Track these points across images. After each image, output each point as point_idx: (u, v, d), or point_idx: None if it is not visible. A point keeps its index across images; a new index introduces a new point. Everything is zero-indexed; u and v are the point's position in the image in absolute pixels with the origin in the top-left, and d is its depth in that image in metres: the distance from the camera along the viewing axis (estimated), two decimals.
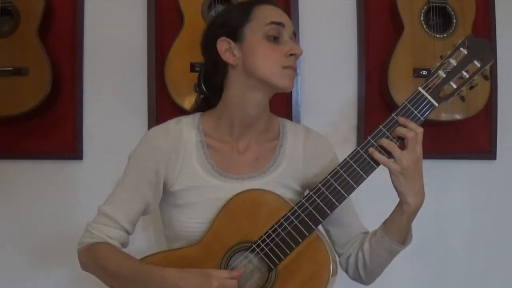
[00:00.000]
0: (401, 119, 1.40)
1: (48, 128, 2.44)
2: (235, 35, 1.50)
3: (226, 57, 1.51)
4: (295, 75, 1.52)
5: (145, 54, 2.43)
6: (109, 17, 2.47)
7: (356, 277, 1.63)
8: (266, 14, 1.50)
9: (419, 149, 1.40)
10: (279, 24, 1.49)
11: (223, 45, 1.51)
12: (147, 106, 2.43)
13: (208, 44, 1.55)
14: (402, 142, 1.41)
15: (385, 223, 1.51)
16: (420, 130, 1.40)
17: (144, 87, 2.43)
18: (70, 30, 2.44)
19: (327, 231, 1.64)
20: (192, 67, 2.29)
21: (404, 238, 1.50)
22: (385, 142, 1.39)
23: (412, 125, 1.40)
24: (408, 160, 1.39)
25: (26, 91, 2.28)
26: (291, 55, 1.49)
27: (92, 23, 2.46)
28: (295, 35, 1.55)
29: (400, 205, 1.45)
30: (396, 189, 1.43)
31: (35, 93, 2.28)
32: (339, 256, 1.64)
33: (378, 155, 1.40)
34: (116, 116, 2.46)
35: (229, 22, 1.52)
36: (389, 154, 1.40)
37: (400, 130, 1.39)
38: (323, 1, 2.50)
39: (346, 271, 1.64)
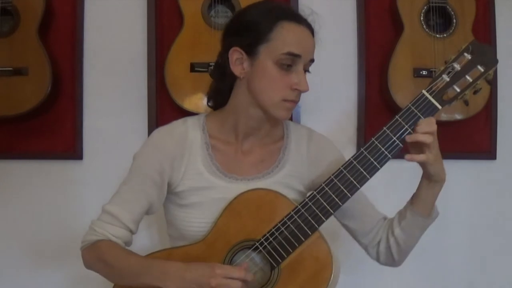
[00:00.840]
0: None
1: (48, 128, 2.43)
2: (250, 49, 1.47)
3: (235, 67, 1.50)
4: (294, 107, 1.53)
5: (145, 54, 2.43)
6: (109, 17, 2.47)
7: (389, 262, 1.64)
8: (287, 39, 1.45)
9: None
10: (296, 55, 1.45)
11: (235, 55, 1.49)
12: (147, 106, 2.43)
13: (224, 46, 1.54)
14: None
15: (413, 203, 1.54)
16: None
17: (144, 87, 2.44)
18: (70, 30, 2.44)
19: (345, 226, 1.65)
20: (192, 67, 2.29)
21: (432, 211, 1.54)
22: (420, 136, 1.40)
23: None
24: (437, 146, 1.43)
25: (26, 91, 2.28)
26: (296, 89, 1.48)
27: (92, 23, 2.46)
28: (313, 61, 1.52)
29: (431, 184, 1.49)
30: (435, 174, 1.46)
31: (35, 93, 2.28)
32: (365, 247, 1.66)
33: (415, 156, 1.42)
34: (116, 116, 2.46)
35: (247, 34, 1.47)
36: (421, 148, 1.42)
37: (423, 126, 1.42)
38: (323, 1, 2.50)
39: (377, 259, 1.66)
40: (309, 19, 1.52)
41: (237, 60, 1.49)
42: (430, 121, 1.41)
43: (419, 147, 1.42)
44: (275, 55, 1.44)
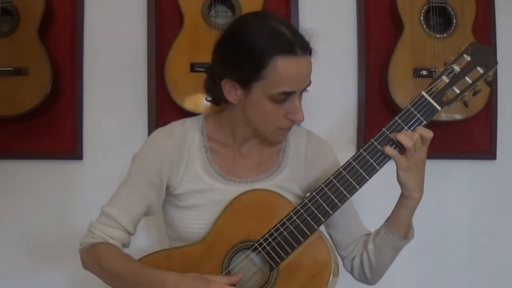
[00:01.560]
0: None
1: (48, 128, 2.44)
2: (243, 84, 1.43)
3: (229, 95, 1.46)
4: (288, 132, 1.53)
5: (145, 54, 2.43)
6: (109, 17, 2.47)
7: (362, 278, 1.64)
8: (280, 78, 1.38)
9: (425, 149, 1.43)
10: (290, 93, 1.41)
11: (228, 84, 1.45)
12: (147, 106, 2.43)
13: (215, 69, 1.49)
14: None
15: (388, 220, 1.52)
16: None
17: (144, 87, 2.44)
18: (70, 30, 2.44)
19: (329, 235, 1.65)
20: (192, 67, 2.29)
21: (407, 233, 1.52)
22: (401, 136, 1.40)
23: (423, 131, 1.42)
24: (417, 157, 1.41)
25: (26, 91, 2.28)
26: (291, 119, 1.46)
27: (92, 23, 2.46)
28: (310, 83, 1.47)
29: (403, 200, 1.47)
30: (403, 184, 1.44)
31: (35, 93, 2.28)
32: (342, 259, 1.65)
33: (389, 149, 1.41)
34: (116, 116, 2.46)
35: (239, 71, 1.42)
36: (401, 149, 1.42)
37: (420, 131, 1.41)
38: (323, 1, 2.50)
39: (352, 273, 1.65)
40: (307, 36, 1.45)
41: (230, 89, 1.46)
42: (422, 130, 1.41)
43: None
44: (269, 93, 1.40)
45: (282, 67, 1.38)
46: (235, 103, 1.47)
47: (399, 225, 1.50)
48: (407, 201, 1.46)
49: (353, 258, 1.62)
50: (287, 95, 1.41)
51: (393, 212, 1.51)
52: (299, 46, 1.39)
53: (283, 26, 1.41)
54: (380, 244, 1.54)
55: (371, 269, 1.59)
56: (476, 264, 2.50)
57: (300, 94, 1.46)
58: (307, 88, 1.48)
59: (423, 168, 1.44)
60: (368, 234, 1.63)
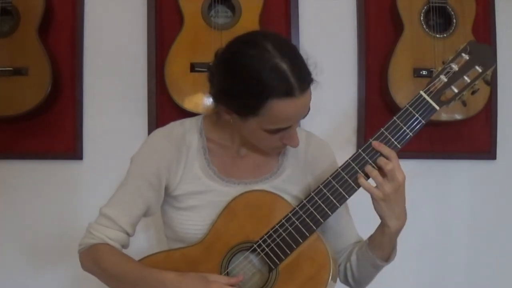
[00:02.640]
0: (375, 144, 1.40)
1: (48, 128, 2.44)
2: (238, 114, 1.41)
3: (224, 115, 1.46)
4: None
5: (145, 54, 2.43)
6: (109, 17, 2.47)
7: (347, 284, 1.64)
8: (276, 118, 1.36)
9: (399, 175, 1.39)
10: (286, 128, 1.40)
11: (224, 109, 1.44)
12: (147, 106, 2.43)
13: (212, 87, 1.46)
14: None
15: (369, 239, 1.52)
16: (394, 155, 1.39)
17: (144, 87, 2.44)
18: (70, 30, 2.45)
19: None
20: (192, 67, 2.29)
21: (387, 256, 1.51)
22: (368, 169, 1.40)
23: (386, 151, 1.40)
24: (390, 188, 1.39)
25: (26, 91, 2.28)
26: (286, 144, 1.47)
27: (92, 23, 2.46)
28: (309, 111, 1.44)
29: (381, 226, 1.46)
30: (378, 213, 1.44)
31: (35, 93, 2.28)
32: None
33: (362, 181, 1.40)
34: (116, 116, 2.46)
35: (235, 104, 1.40)
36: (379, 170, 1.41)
37: (379, 163, 1.40)
38: (323, 1, 2.50)
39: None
40: (310, 66, 1.40)
41: (227, 112, 1.44)
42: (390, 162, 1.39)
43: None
44: (265, 128, 1.40)
45: (278, 110, 1.34)
46: (232, 121, 1.46)
47: (378, 247, 1.49)
48: (384, 228, 1.45)
49: (339, 264, 1.62)
50: (284, 129, 1.42)
51: (373, 234, 1.51)
52: (298, 86, 1.34)
53: (284, 60, 1.33)
54: (361, 259, 1.54)
55: (354, 279, 1.60)
56: (476, 264, 2.50)
57: (296, 123, 1.45)
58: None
59: (400, 198, 1.41)
60: (359, 242, 1.63)
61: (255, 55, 1.34)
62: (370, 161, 1.41)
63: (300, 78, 1.34)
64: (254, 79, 1.33)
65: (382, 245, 1.48)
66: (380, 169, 1.40)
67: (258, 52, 1.34)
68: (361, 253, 1.54)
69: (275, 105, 1.33)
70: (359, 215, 1.67)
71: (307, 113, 1.44)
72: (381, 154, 1.40)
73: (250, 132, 1.45)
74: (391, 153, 1.40)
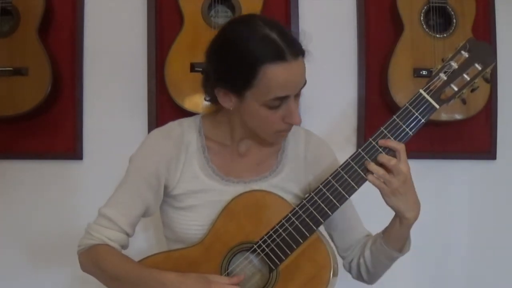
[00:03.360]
0: (381, 142, 1.41)
1: (48, 128, 2.44)
2: (235, 92, 1.41)
3: (224, 102, 1.45)
4: (288, 133, 1.52)
5: (145, 54, 2.43)
6: (109, 17, 2.47)
7: (360, 279, 1.65)
8: (272, 85, 1.36)
9: (404, 168, 1.40)
10: (284, 97, 1.39)
11: (221, 92, 1.44)
12: (147, 106, 2.43)
13: (208, 75, 1.47)
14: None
15: (384, 233, 1.52)
16: (401, 147, 1.40)
17: (144, 87, 2.44)
18: (70, 30, 2.45)
19: (330, 235, 1.65)
20: (192, 67, 2.29)
21: (403, 246, 1.52)
22: (373, 167, 1.40)
23: (393, 144, 1.40)
24: (397, 182, 1.39)
25: (26, 91, 2.28)
26: (288, 122, 1.45)
27: (92, 23, 2.46)
28: (305, 84, 1.44)
29: (398, 219, 1.46)
30: (392, 208, 1.44)
31: (35, 93, 2.29)
32: (342, 258, 1.66)
33: (371, 178, 1.41)
34: (116, 116, 2.46)
35: (231, 80, 1.41)
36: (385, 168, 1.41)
37: (382, 160, 1.40)
38: (323, 1, 2.50)
39: (350, 273, 1.66)
40: (299, 38, 1.43)
41: (225, 97, 1.44)
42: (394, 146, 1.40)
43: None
44: (262, 100, 1.39)
45: (272, 75, 1.36)
46: (231, 109, 1.46)
47: (394, 239, 1.49)
48: (402, 220, 1.45)
49: (351, 261, 1.63)
50: (281, 100, 1.40)
51: (388, 227, 1.51)
52: (289, 51, 1.36)
53: (273, 31, 1.37)
54: (376, 253, 1.54)
55: (368, 273, 1.60)
56: (476, 264, 2.50)
57: (297, 97, 1.44)
58: (303, 90, 1.46)
59: (409, 189, 1.42)
60: (368, 236, 1.64)
61: (244, 29, 1.40)
62: (370, 160, 1.41)
63: (290, 45, 1.37)
64: (245, 49, 1.37)
65: (398, 237, 1.49)
66: (382, 166, 1.40)
67: (248, 26, 1.40)
68: (375, 247, 1.54)
69: (268, 71, 1.35)
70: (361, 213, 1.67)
71: (304, 85, 1.44)
72: (389, 149, 1.40)
73: (251, 114, 1.44)
74: (399, 145, 1.40)
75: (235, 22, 1.49)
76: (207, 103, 1.59)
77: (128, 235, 1.53)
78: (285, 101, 1.41)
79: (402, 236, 1.49)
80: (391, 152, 1.41)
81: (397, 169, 1.39)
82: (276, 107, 1.41)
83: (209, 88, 1.50)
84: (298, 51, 1.39)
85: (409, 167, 1.41)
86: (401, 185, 1.39)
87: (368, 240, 1.60)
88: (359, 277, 1.64)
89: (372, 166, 1.40)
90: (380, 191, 1.41)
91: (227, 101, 1.45)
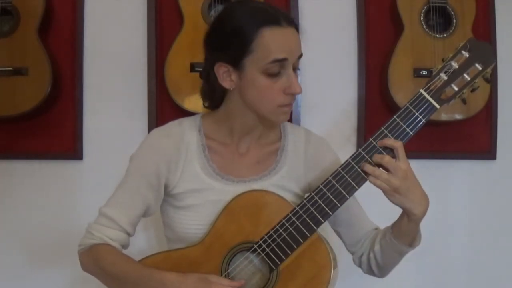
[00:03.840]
0: (380, 143, 1.40)
1: (48, 128, 2.44)
2: (234, 63, 1.44)
3: (224, 81, 1.47)
4: (291, 109, 1.51)
5: (145, 54, 2.43)
6: (109, 17, 2.47)
7: (370, 273, 1.65)
8: (270, 47, 1.40)
9: (402, 164, 1.39)
10: (282, 60, 1.41)
11: (222, 69, 1.46)
12: (147, 106, 2.43)
13: (208, 59, 1.50)
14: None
15: (393, 228, 1.51)
16: (399, 144, 1.40)
17: (144, 87, 2.44)
18: (70, 30, 2.45)
19: (337, 232, 1.66)
20: (192, 67, 2.29)
21: (413, 240, 1.51)
22: (369, 169, 1.39)
23: (390, 142, 1.40)
24: (397, 180, 1.39)
25: (26, 91, 2.28)
26: (289, 93, 1.45)
27: (92, 23, 2.46)
28: (301, 55, 1.48)
29: (406, 215, 1.45)
30: (398, 206, 1.43)
31: (35, 93, 2.29)
32: (351, 253, 1.66)
33: (372, 179, 1.40)
34: (116, 116, 2.46)
35: (229, 49, 1.44)
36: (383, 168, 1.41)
37: (376, 159, 1.40)
38: (323, 1, 2.50)
39: (360, 266, 1.66)
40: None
41: (225, 73, 1.46)
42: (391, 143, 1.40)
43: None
44: (261, 66, 1.41)
45: (269, 36, 1.40)
46: (231, 89, 1.47)
47: (403, 234, 1.49)
48: (410, 216, 1.44)
49: (361, 255, 1.63)
50: (280, 64, 1.42)
51: (396, 222, 1.50)
52: (283, 18, 1.42)
53: (266, 5, 1.47)
54: (386, 247, 1.54)
55: (379, 268, 1.60)
56: (476, 264, 2.50)
57: (295, 70, 1.46)
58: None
59: (412, 184, 1.41)
60: (376, 229, 1.64)
61: (238, 5, 1.47)
62: (370, 160, 1.41)
63: (282, 14, 1.44)
64: (241, 18, 1.43)
65: (407, 233, 1.48)
66: (380, 166, 1.40)
67: (242, 3, 1.48)
68: (385, 242, 1.53)
69: (265, 33, 1.40)
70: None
71: (300, 56, 1.47)
72: (387, 148, 1.40)
73: (252, 87, 1.44)
74: (396, 143, 1.39)
75: (228, 4, 1.53)
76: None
77: (128, 234, 1.53)
78: (284, 69, 1.43)
79: (412, 231, 1.48)
80: (390, 151, 1.40)
81: (394, 167, 1.39)
82: (275, 75, 1.42)
83: (207, 81, 1.53)
84: (291, 21, 1.45)
85: (408, 164, 1.40)
86: (402, 183, 1.39)
87: (378, 234, 1.60)
88: (369, 271, 1.63)
89: (368, 167, 1.40)
90: (382, 191, 1.41)
91: (228, 81, 1.47)
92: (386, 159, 1.39)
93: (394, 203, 1.42)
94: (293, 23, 1.45)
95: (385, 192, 1.41)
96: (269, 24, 1.41)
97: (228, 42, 1.43)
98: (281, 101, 1.45)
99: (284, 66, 1.42)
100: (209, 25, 1.52)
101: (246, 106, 1.50)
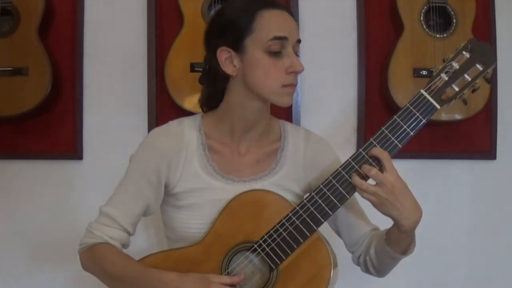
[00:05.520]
0: (369, 152, 1.40)
1: (48, 128, 2.44)
2: (236, 46, 1.47)
3: (226, 67, 1.49)
4: (294, 91, 1.52)
5: (145, 54, 2.43)
6: (109, 17, 2.47)
7: (368, 273, 1.65)
8: (270, 26, 1.45)
9: (389, 176, 1.38)
10: (283, 38, 1.45)
11: (224, 55, 1.48)
12: (147, 106, 2.43)
13: (209, 49, 1.53)
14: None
15: (386, 235, 1.51)
16: (385, 156, 1.39)
17: (144, 87, 2.44)
18: (70, 30, 2.45)
19: (336, 232, 1.66)
20: (192, 67, 2.29)
21: (406, 248, 1.51)
22: (357, 181, 1.39)
23: (376, 152, 1.39)
24: (383, 192, 1.38)
25: (26, 91, 2.28)
26: (292, 72, 1.47)
27: (92, 23, 2.46)
28: (300, 41, 1.51)
29: (396, 225, 1.45)
30: (387, 216, 1.43)
31: (35, 93, 2.29)
32: (351, 252, 1.67)
33: (362, 194, 1.40)
34: (116, 116, 2.46)
35: (230, 32, 1.47)
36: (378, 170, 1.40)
37: (363, 171, 1.39)
38: (323, 1, 2.50)
39: (358, 266, 1.67)
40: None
41: (227, 60, 1.48)
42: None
43: None
44: (263, 44, 1.44)
45: (268, 16, 1.46)
46: (234, 75, 1.49)
47: (395, 243, 1.49)
48: (399, 227, 1.44)
49: (359, 257, 1.64)
50: (281, 43, 1.45)
51: (389, 230, 1.51)
52: (278, 4, 1.50)
53: None
54: (380, 252, 1.54)
55: (376, 270, 1.61)
56: (476, 264, 2.50)
57: (293, 49, 1.48)
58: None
59: (402, 195, 1.39)
60: (374, 230, 1.64)
61: None
62: (370, 160, 1.41)
63: (278, 2, 1.51)
64: (240, 5, 1.49)
65: (399, 241, 1.48)
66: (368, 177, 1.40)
67: None
68: (379, 247, 1.54)
69: (264, 14, 1.46)
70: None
71: (299, 41, 1.51)
72: (375, 157, 1.39)
73: (254, 68, 1.46)
74: (382, 154, 1.39)
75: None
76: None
77: (129, 233, 1.53)
78: (285, 48, 1.46)
79: (403, 240, 1.48)
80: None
81: (380, 179, 1.38)
82: (277, 55, 1.45)
83: (207, 75, 1.55)
84: (286, 7, 1.52)
85: (396, 175, 1.39)
86: (389, 195, 1.38)
87: (374, 237, 1.60)
88: (367, 272, 1.64)
89: (356, 180, 1.39)
90: (370, 202, 1.41)
91: (230, 67, 1.48)
92: (373, 171, 1.38)
93: (383, 214, 1.42)
94: (290, 11, 1.52)
95: (372, 203, 1.41)
96: (267, 7, 1.47)
97: (229, 26, 1.48)
98: (284, 80, 1.46)
99: (284, 45, 1.45)
100: (209, 22, 1.55)
101: (247, 96, 1.50)
